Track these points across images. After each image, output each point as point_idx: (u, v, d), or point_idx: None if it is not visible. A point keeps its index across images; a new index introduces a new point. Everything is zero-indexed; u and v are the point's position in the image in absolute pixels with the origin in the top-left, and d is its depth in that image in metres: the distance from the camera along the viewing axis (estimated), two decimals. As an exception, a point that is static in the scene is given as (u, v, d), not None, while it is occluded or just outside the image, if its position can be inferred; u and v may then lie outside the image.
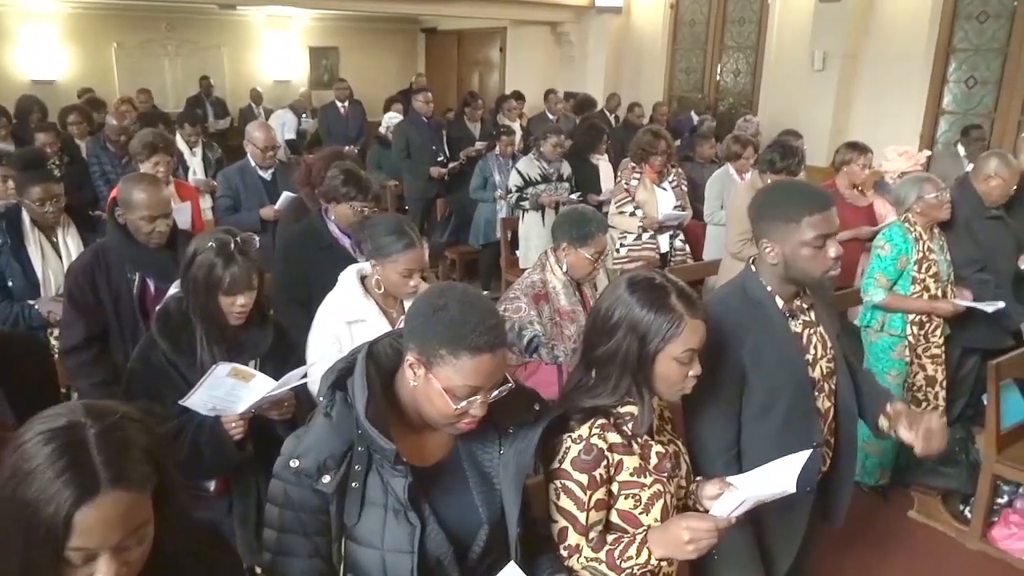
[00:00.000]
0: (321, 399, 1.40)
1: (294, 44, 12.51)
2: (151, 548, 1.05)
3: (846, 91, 7.79)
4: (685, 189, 5.02)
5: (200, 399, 1.95)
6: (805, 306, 1.92)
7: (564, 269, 2.74)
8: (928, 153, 5.81)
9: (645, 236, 4.84)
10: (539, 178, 5.52)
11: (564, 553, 1.58)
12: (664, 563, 1.68)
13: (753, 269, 1.90)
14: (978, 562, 3.36)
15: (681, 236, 4.97)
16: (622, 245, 4.90)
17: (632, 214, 4.84)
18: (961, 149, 6.07)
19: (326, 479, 1.33)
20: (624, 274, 1.70)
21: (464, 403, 1.33)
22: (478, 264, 6.58)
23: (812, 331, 1.92)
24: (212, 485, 2.14)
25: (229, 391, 1.96)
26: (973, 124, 6.54)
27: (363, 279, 2.45)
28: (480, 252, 6.42)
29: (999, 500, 3.50)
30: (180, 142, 6.08)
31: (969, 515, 3.51)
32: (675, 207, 4.85)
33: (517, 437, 1.47)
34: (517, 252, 5.66)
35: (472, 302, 1.35)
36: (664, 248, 4.91)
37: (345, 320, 2.37)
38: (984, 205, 3.76)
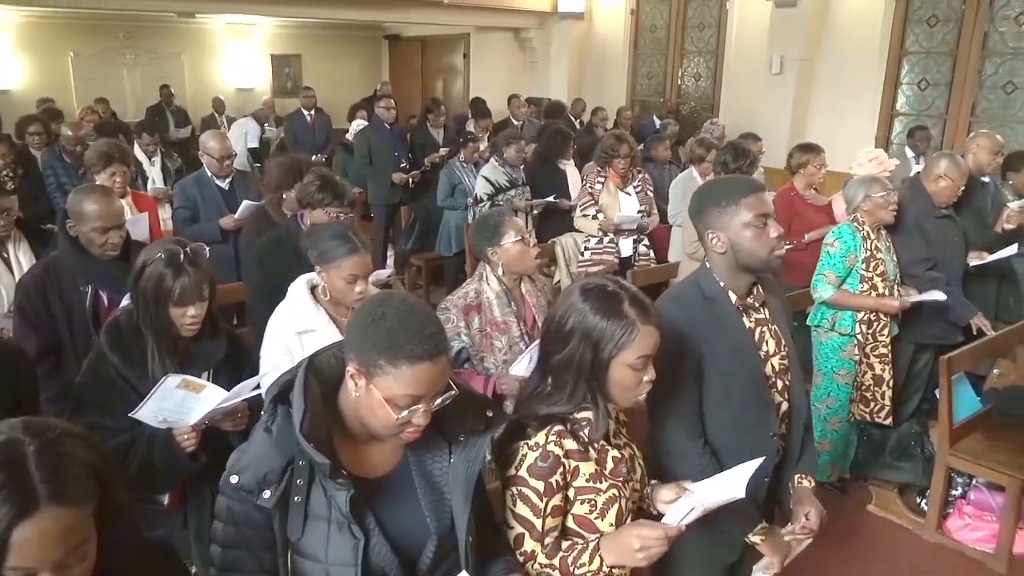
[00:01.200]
0: (263, 413, 1.39)
1: (256, 52, 12.40)
2: (97, 565, 1.03)
3: (804, 94, 7.93)
4: (651, 195, 5.06)
5: (150, 411, 1.93)
6: (758, 304, 1.97)
7: (501, 273, 2.73)
8: (897, 161, 5.94)
9: (606, 240, 4.87)
10: (507, 184, 5.54)
11: (520, 559, 1.59)
12: (616, 570, 1.70)
13: (707, 266, 1.95)
14: (934, 553, 3.44)
15: (645, 241, 5.01)
16: (586, 248, 4.93)
17: (594, 217, 4.87)
18: (908, 150, 6.21)
19: (266, 494, 1.32)
20: (577, 282, 1.71)
21: (406, 412, 1.32)
22: (443, 270, 6.57)
23: (765, 328, 1.96)
24: (166, 499, 2.11)
25: (180, 403, 1.94)
26: (919, 125, 6.70)
27: (313, 289, 2.44)
28: (447, 259, 6.41)
29: (953, 492, 3.58)
30: (138, 152, 6.00)
31: (925, 507, 3.59)
32: (639, 212, 4.89)
33: (467, 445, 1.46)
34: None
35: (411, 310, 1.34)
36: (627, 252, 4.94)
37: (295, 330, 2.35)
38: (934, 205, 3.85)
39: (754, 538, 1.89)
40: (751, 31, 8.39)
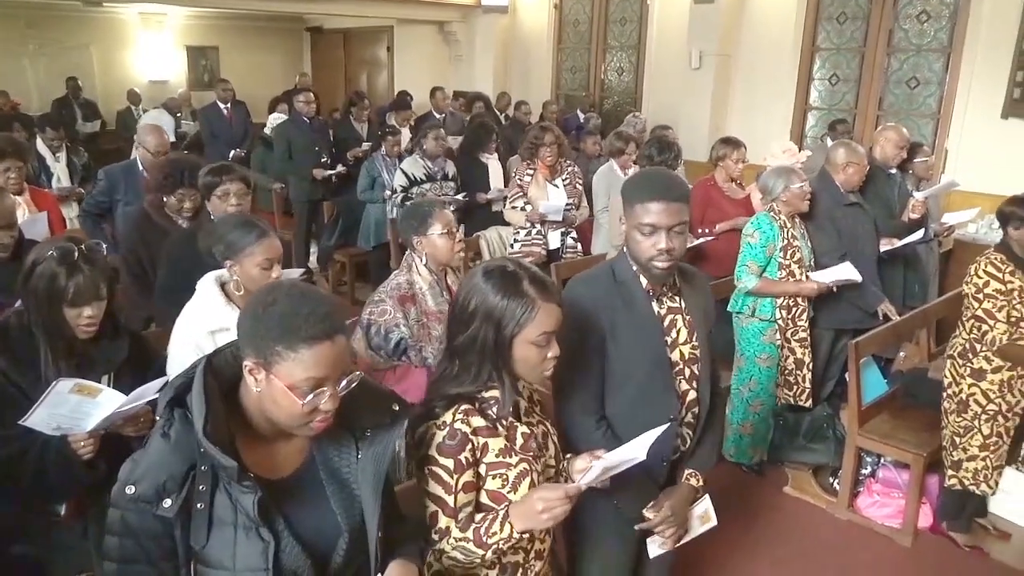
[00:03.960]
0: (158, 418, 1.33)
1: (169, 43, 11.96)
2: None
3: (722, 88, 8.11)
4: (580, 187, 5.08)
5: (42, 418, 1.82)
6: (671, 293, 2.00)
7: (425, 263, 2.71)
8: (809, 153, 6.13)
9: (534, 231, 4.89)
10: (424, 177, 5.49)
11: (435, 536, 1.61)
12: (539, 540, 1.74)
13: (625, 251, 1.98)
14: (846, 530, 3.57)
15: (573, 233, 5.04)
16: (515, 240, 4.94)
17: (522, 209, 4.88)
18: (829, 142, 6.41)
19: (167, 503, 1.26)
20: (479, 264, 1.72)
21: (311, 397, 1.29)
22: (368, 266, 6.48)
23: (678, 316, 2.00)
24: (63, 509, 2.01)
25: (74, 408, 1.85)
26: (839, 119, 6.95)
27: (223, 286, 2.36)
28: (369, 254, 6.33)
29: (863, 471, 3.72)
30: (41, 147, 5.71)
31: (837, 487, 3.72)
32: (568, 204, 4.91)
33: (375, 440, 1.44)
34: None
35: (302, 293, 1.32)
36: (555, 244, 4.97)
37: (207, 329, 2.27)
38: (843, 194, 3.99)
39: (648, 513, 1.95)
40: (671, 26, 8.53)
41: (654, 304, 1.97)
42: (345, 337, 1.34)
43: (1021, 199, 3.11)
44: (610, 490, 1.86)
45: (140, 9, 11.30)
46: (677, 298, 2.01)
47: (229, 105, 7.89)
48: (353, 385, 1.36)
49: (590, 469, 1.60)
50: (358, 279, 6.62)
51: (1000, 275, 3.04)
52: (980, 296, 3.08)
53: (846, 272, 3.67)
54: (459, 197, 5.44)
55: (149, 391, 1.91)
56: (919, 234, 4.12)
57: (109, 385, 2.02)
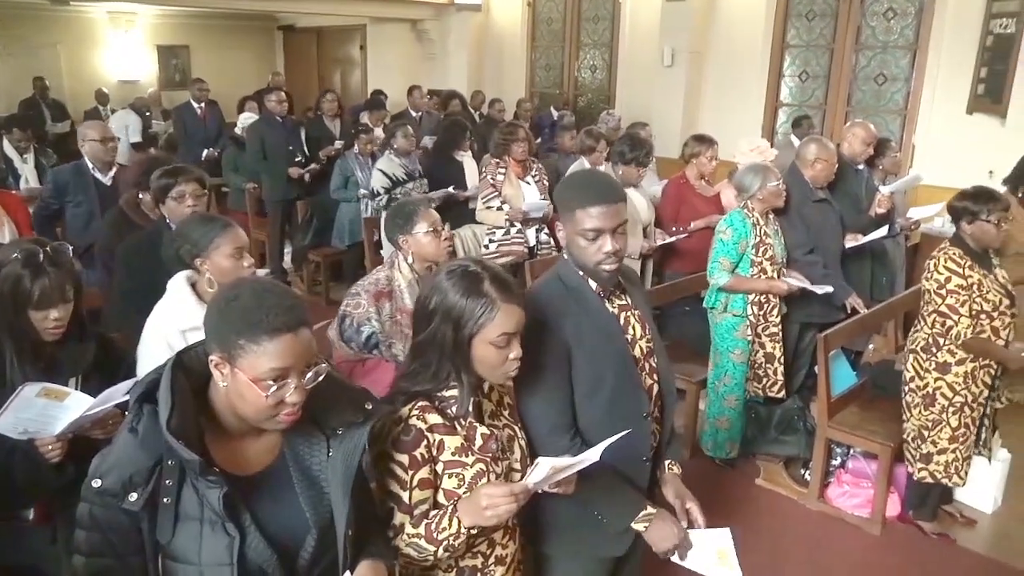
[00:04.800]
0: (127, 413, 1.34)
1: (139, 42, 11.83)
2: None
3: (695, 86, 8.17)
4: (547, 184, 5.11)
5: (8, 422, 1.81)
6: (618, 291, 2.00)
7: (411, 262, 2.73)
8: (776, 152, 6.20)
9: (513, 230, 4.89)
10: (404, 177, 5.49)
11: (390, 533, 1.60)
12: (500, 545, 1.73)
13: (566, 258, 1.97)
14: (817, 520, 3.63)
15: (545, 229, 5.06)
16: (491, 240, 4.93)
17: (499, 208, 4.88)
18: (794, 139, 6.50)
19: (133, 497, 1.28)
20: (443, 264, 1.72)
21: (275, 389, 1.30)
22: (343, 266, 6.46)
23: (628, 313, 2.00)
24: (31, 514, 1.99)
25: (41, 412, 1.83)
26: (803, 115, 7.03)
27: (193, 285, 2.35)
28: (345, 253, 6.31)
29: (833, 462, 3.78)
30: (8, 148, 5.64)
31: (808, 478, 3.78)
32: (541, 199, 4.93)
33: (345, 438, 1.45)
34: (382, 252, 5.60)
35: (265, 287, 1.34)
36: (532, 241, 4.99)
37: (179, 329, 2.25)
38: (812, 189, 4.05)
39: (638, 526, 1.89)
40: (643, 24, 8.58)
41: (607, 304, 1.96)
42: (309, 330, 1.35)
43: (970, 193, 3.16)
44: (591, 500, 1.83)
45: (109, 8, 11.17)
46: (624, 295, 2.01)
47: (203, 105, 7.83)
48: (320, 378, 1.37)
49: (535, 466, 1.56)
50: (333, 279, 6.59)
51: (960, 270, 3.09)
52: (943, 292, 3.12)
53: (821, 288, 3.75)
54: (445, 191, 5.43)
55: (117, 393, 1.89)
56: (884, 229, 4.19)
57: (77, 388, 2.00)
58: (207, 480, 1.29)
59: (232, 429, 1.39)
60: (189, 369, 1.38)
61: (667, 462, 2.08)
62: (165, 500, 1.30)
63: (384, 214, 5.37)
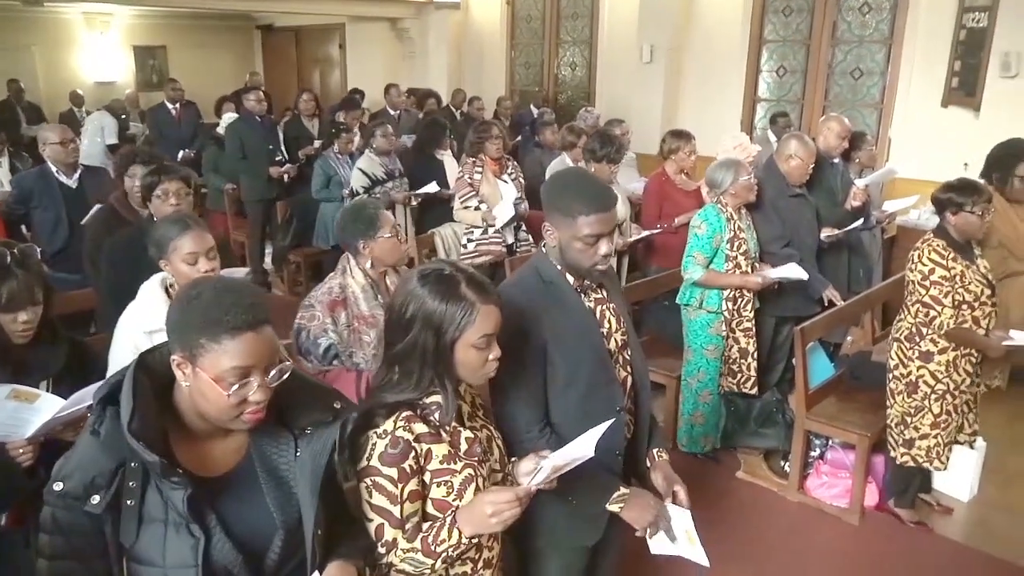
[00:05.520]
0: (90, 415, 1.33)
1: (116, 43, 11.71)
2: None
3: (674, 82, 8.20)
4: (523, 182, 5.11)
5: (-23, 426, 1.79)
6: (595, 285, 2.02)
7: (370, 265, 2.69)
8: (758, 148, 6.24)
9: (491, 230, 4.88)
10: (384, 176, 5.46)
11: (382, 550, 1.57)
12: (487, 548, 1.72)
13: (543, 251, 1.98)
14: (797, 511, 3.66)
15: (524, 227, 5.05)
16: (469, 240, 4.92)
17: (476, 208, 4.87)
18: (771, 135, 6.54)
19: (95, 499, 1.27)
20: (413, 268, 1.71)
21: (237, 387, 1.30)
22: (323, 266, 6.43)
23: (604, 307, 2.02)
24: (3, 518, 1.97)
25: (11, 414, 1.82)
26: (780, 111, 7.07)
27: (168, 288, 2.34)
28: (327, 253, 6.27)
29: (812, 454, 3.82)
30: (-18, 152, 5.57)
31: (788, 470, 3.80)
32: (516, 199, 4.92)
33: (313, 438, 1.44)
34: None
35: (226, 286, 1.34)
36: (510, 240, 4.98)
37: (145, 330, 2.24)
38: (788, 184, 4.07)
39: (613, 507, 1.91)
40: (622, 21, 8.60)
41: (583, 299, 1.98)
42: (271, 328, 1.34)
43: (954, 185, 3.20)
44: (564, 488, 1.82)
45: (84, 9, 11.05)
46: (601, 289, 2.03)
47: (178, 105, 7.77)
48: (285, 376, 1.36)
49: (539, 470, 1.57)
50: (314, 279, 6.55)
51: (944, 261, 3.13)
52: (927, 283, 3.16)
53: (794, 272, 3.76)
54: (427, 190, 5.42)
55: (88, 395, 1.87)
56: (859, 222, 4.22)
57: (48, 391, 1.98)
58: (171, 481, 1.28)
59: (197, 430, 1.39)
60: (153, 370, 1.37)
61: (655, 450, 2.10)
62: (128, 502, 1.29)
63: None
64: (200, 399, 1.32)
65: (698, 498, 3.60)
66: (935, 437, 3.30)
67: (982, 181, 3.56)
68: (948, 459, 3.37)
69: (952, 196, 3.16)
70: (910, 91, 6.76)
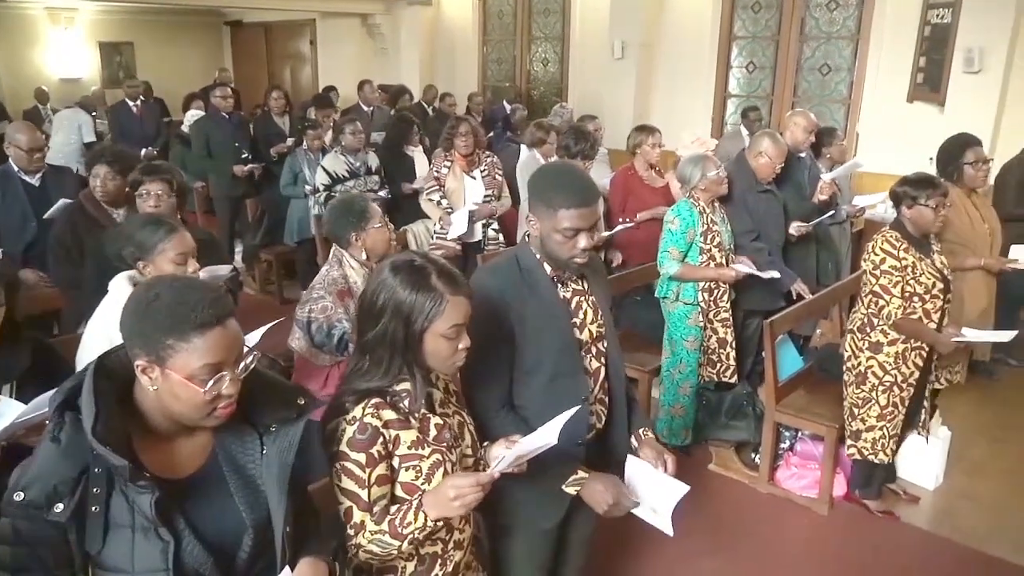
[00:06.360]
0: (47, 422, 1.30)
1: (81, 39, 11.50)
2: None
3: (645, 78, 8.25)
4: (500, 178, 5.07)
5: (-64, 431, 1.76)
6: (575, 276, 2.04)
7: (365, 258, 2.72)
8: (716, 142, 6.29)
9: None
10: (347, 174, 5.42)
11: (351, 532, 1.60)
12: (458, 530, 1.75)
13: (527, 240, 2.03)
14: (767, 503, 3.70)
15: (495, 225, 5.05)
16: (435, 233, 4.93)
17: (438, 203, 4.87)
18: (743, 129, 6.61)
19: (58, 508, 1.24)
20: (387, 259, 1.72)
21: (212, 383, 1.29)
22: (295, 264, 6.39)
23: (582, 298, 2.05)
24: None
25: (-30, 420, 1.78)
26: (751, 106, 7.15)
27: (135, 286, 2.31)
28: (295, 250, 6.24)
29: (782, 446, 3.86)
30: (-59, 150, 5.43)
31: (759, 462, 3.85)
32: (486, 196, 4.91)
33: (279, 435, 1.44)
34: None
35: (185, 284, 1.33)
36: (477, 236, 4.97)
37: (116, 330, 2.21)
38: (757, 179, 4.12)
39: (569, 489, 1.96)
40: (594, 17, 8.63)
41: (559, 288, 2.02)
42: (235, 320, 1.34)
43: (910, 179, 3.25)
44: (527, 471, 1.86)
45: (48, 4, 10.84)
46: (581, 281, 2.07)
47: (139, 103, 7.66)
48: (254, 364, 1.36)
49: (502, 458, 1.60)
50: (285, 277, 6.51)
51: (895, 252, 3.18)
52: (877, 272, 3.21)
53: (767, 272, 3.82)
54: (382, 193, 5.41)
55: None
56: (827, 215, 4.28)
57: (11, 395, 1.96)
58: (137, 486, 1.26)
59: (161, 432, 1.37)
60: (112, 373, 1.35)
61: (640, 430, 2.15)
62: (94, 509, 1.27)
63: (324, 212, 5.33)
64: (172, 400, 1.31)
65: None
66: (880, 429, 3.34)
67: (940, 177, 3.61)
68: (894, 452, 3.42)
69: (907, 189, 3.21)
70: (877, 86, 6.86)
